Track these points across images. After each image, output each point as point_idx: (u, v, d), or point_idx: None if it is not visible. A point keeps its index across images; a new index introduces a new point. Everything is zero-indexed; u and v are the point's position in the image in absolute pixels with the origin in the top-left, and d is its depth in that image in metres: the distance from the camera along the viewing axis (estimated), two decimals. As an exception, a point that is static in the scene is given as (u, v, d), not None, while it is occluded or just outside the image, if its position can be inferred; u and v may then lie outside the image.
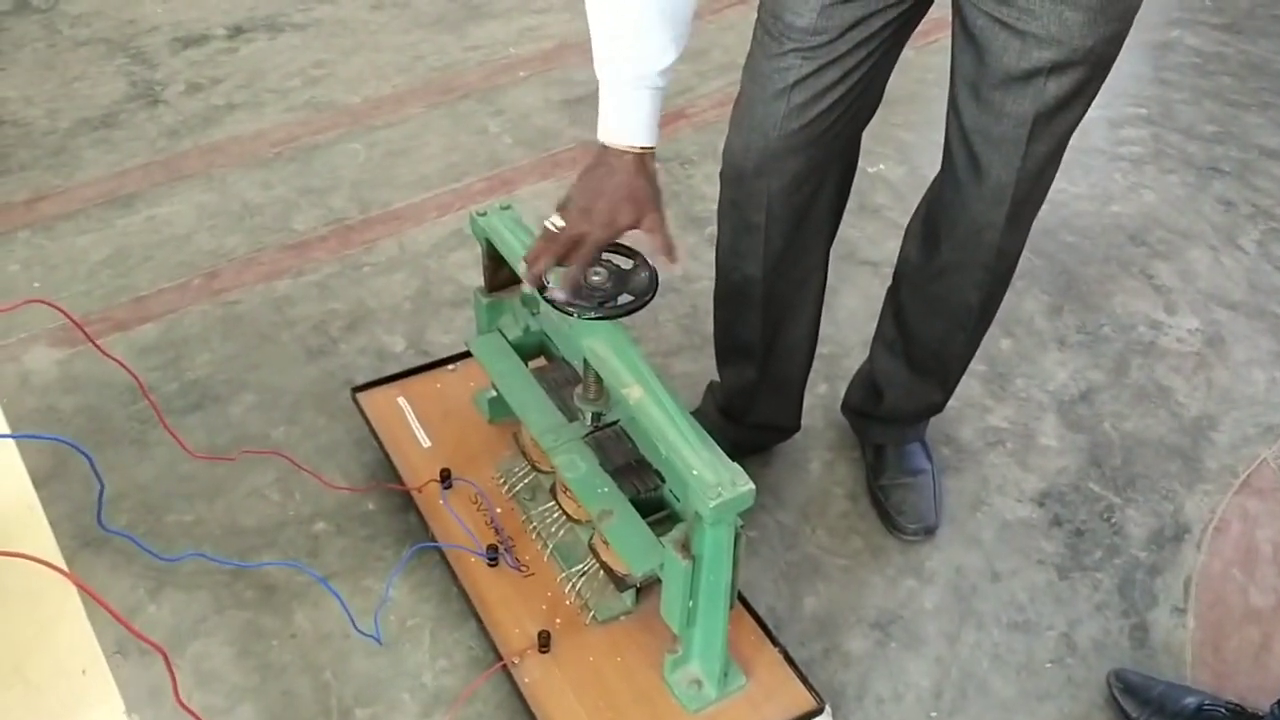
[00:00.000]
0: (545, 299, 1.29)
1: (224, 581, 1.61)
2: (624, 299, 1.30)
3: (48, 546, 0.65)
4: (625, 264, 1.34)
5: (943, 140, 1.43)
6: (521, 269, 1.30)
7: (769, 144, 1.39)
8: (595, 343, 1.33)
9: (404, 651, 1.53)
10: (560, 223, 1.27)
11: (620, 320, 1.31)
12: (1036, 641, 1.58)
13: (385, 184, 2.37)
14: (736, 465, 1.22)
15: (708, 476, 1.19)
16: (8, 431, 0.71)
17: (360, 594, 1.60)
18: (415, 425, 1.72)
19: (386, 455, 1.68)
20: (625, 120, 1.24)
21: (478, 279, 2.16)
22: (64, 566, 0.64)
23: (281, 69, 2.73)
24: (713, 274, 1.61)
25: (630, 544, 1.35)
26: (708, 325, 2.00)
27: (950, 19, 1.34)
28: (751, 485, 1.20)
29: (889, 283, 1.66)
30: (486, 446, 1.69)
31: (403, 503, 1.68)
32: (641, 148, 1.24)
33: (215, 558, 1.54)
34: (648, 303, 1.31)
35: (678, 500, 1.41)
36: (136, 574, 1.60)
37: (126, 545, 1.65)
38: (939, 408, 1.73)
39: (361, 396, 1.76)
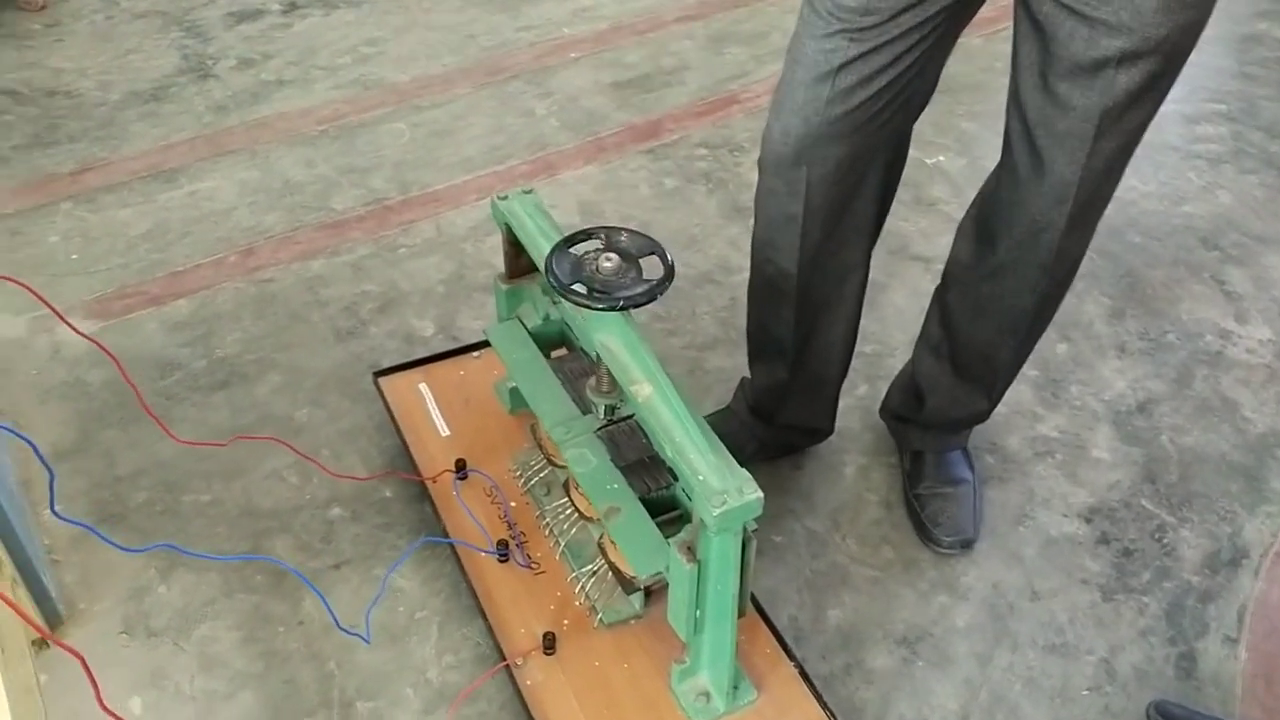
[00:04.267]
0: (553, 287, 1.23)
1: (235, 565, 1.58)
2: (638, 288, 1.24)
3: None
4: (638, 252, 1.28)
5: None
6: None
7: (810, 129, 1.31)
8: (606, 336, 1.27)
9: (410, 645, 1.49)
10: None
11: (639, 312, 1.25)
12: (1074, 666, 1.49)
13: (427, 165, 2.34)
14: (745, 472, 1.15)
15: (713, 482, 1.13)
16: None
17: (370, 583, 1.56)
18: (435, 412, 1.68)
19: (404, 442, 1.64)
20: None
21: (514, 265, 2.13)
22: None
23: (333, 46, 2.70)
24: None
25: (636, 544, 1.29)
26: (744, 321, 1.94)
27: (1014, 5, 1.25)
28: (759, 494, 1.13)
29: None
30: (505, 437, 1.64)
31: (419, 491, 1.64)
32: None
33: (185, 550, 1.52)
34: (662, 291, 1.24)
35: (689, 499, 1.35)
36: (151, 553, 1.58)
37: (144, 523, 1.64)
38: (984, 416, 1.64)
39: (383, 381, 1.73)
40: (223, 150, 2.36)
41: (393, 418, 1.68)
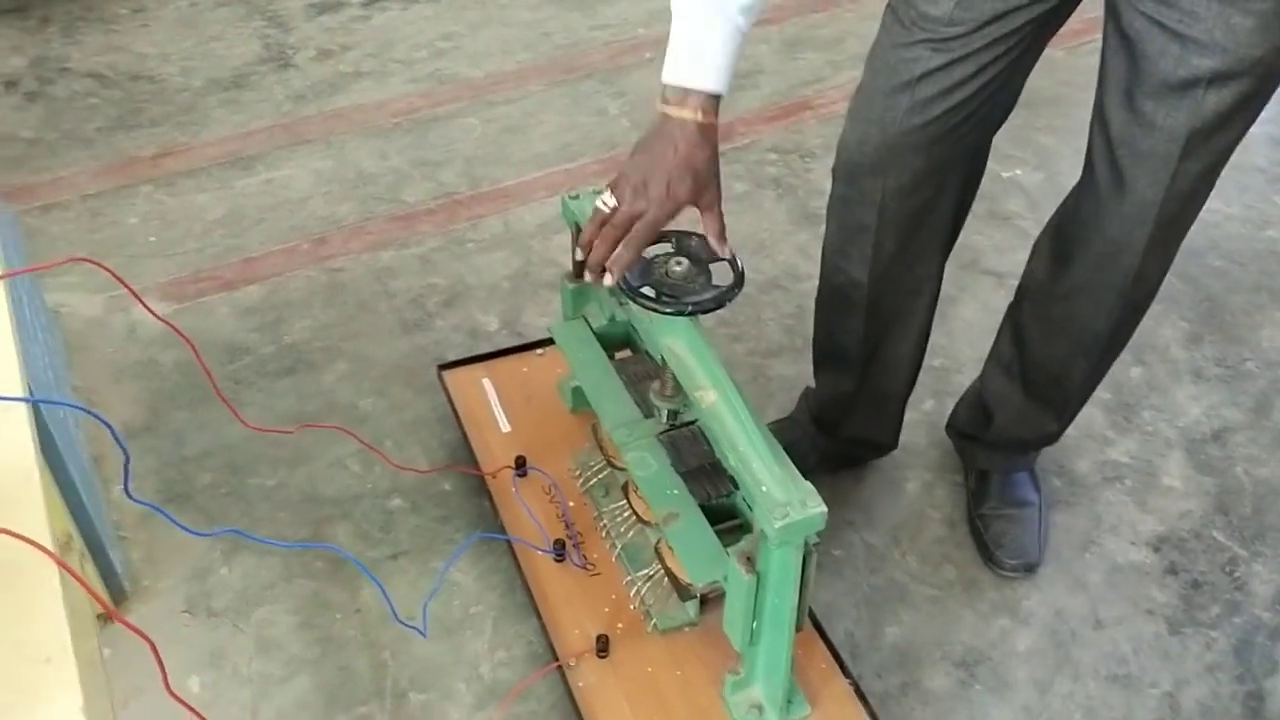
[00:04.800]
0: (621, 290, 1.22)
1: (296, 551, 1.60)
2: (707, 293, 1.23)
3: (37, 522, 0.62)
4: (708, 255, 1.27)
5: (1085, 149, 1.31)
6: (579, 254, 1.23)
7: (887, 139, 1.29)
8: (673, 340, 1.27)
9: (464, 639, 1.50)
10: (611, 201, 1.19)
11: (707, 316, 1.24)
12: (1136, 699, 1.45)
13: (498, 160, 2.35)
14: (809, 485, 1.13)
15: (776, 494, 1.11)
16: (23, 392, 0.68)
17: (427, 575, 1.57)
18: (496, 408, 1.68)
19: (465, 436, 1.65)
20: (699, 58, 1.12)
21: (576, 262, 2.13)
22: (49, 545, 0.61)
23: (410, 39, 2.73)
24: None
25: (694, 551, 1.28)
26: (812, 327, 1.92)
27: (1103, 19, 1.22)
28: (823, 508, 1.11)
29: (1012, 296, 1.54)
30: (565, 436, 1.64)
31: (479, 486, 1.65)
32: (705, 110, 1.14)
33: (250, 535, 1.53)
34: (732, 298, 1.23)
35: (750, 510, 1.33)
36: (213, 537, 1.61)
37: (210, 504, 1.67)
38: (1053, 438, 1.61)
39: (447, 374, 1.74)
40: (299, 139, 2.40)
41: (455, 411, 1.69)
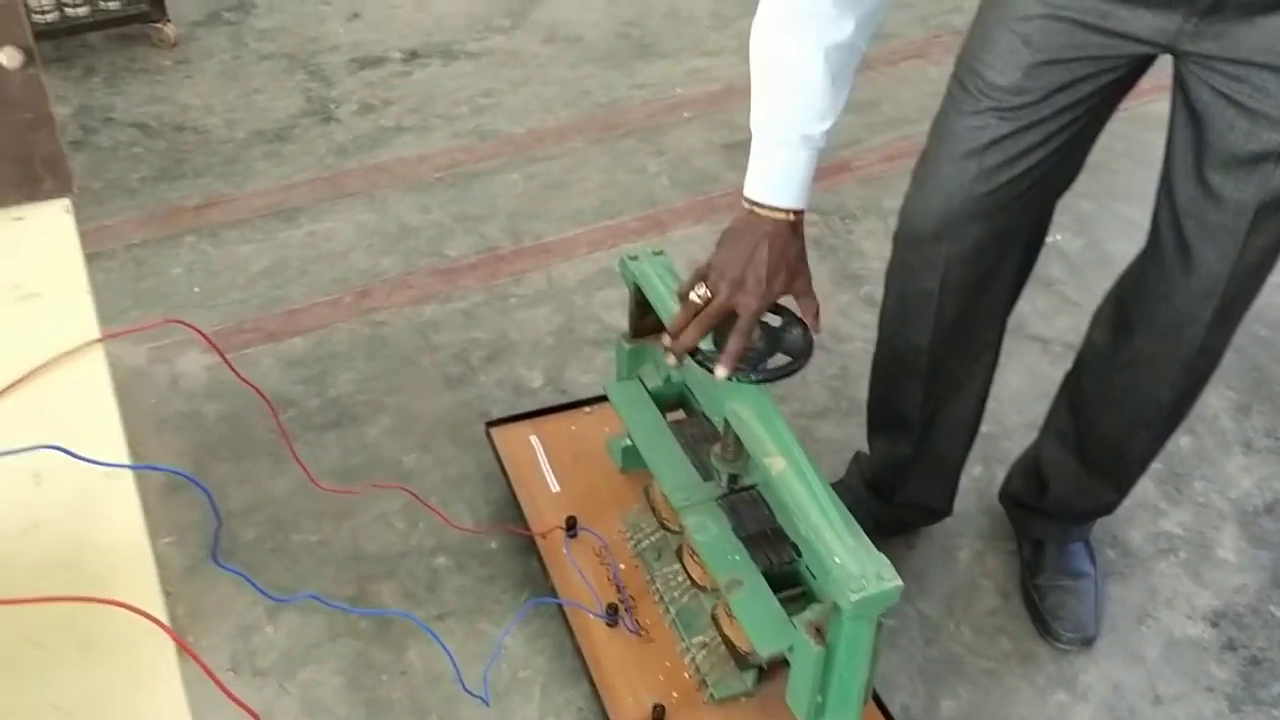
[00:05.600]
0: (697, 361, 1.21)
1: (343, 609, 1.58)
2: (778, 360, 1.22)
3: (150, 592, 0.61)
4: (776, 321, 1.27)
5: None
6: (666, 341, 1.23)
7: (952, 206, 1.29)
8: (739, 405, 1.25)
9: (513, 705, 1.47)
10: (704, 293, 1.21)
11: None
12: (1201, 781, 1.42)
13: (539, 216, 2.36)
14: (883, 557, 1.12)
15: (851, 567, 1.10)
16: (127, 459, 0.67)
17: (474, 637, 1.55)
18: (545, 466, 1.67)
19: (514, 495, 1.63)
20: (780, 180, 1.17)
21: (623, 321, 2.11)
22: (164, 618, 0.59)
23: (451, 95, 2.75)
24: (866, 335, 1.52)
25: (758, 620, 1.26)
26: (857, 389, 1.91)
27: (1171, 92, 1.22)
28: (899, 581, 1.09)
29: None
30: (615, 496, 1.62)
31: (525, 545, 1.63)
32: (793, 211, 1.17)
33: (327, 600, 1.52)
34: (804, 365, 1.23)
35: (814, 578, 1.31)
36: (257, 593, 1.58)
37: (252, 559, 1.65)
38: (1111, 508, 1.59)
39: (495, 431, 1.73)
40: (342, 192, 2.41)
41: (503, 469, 1.67)
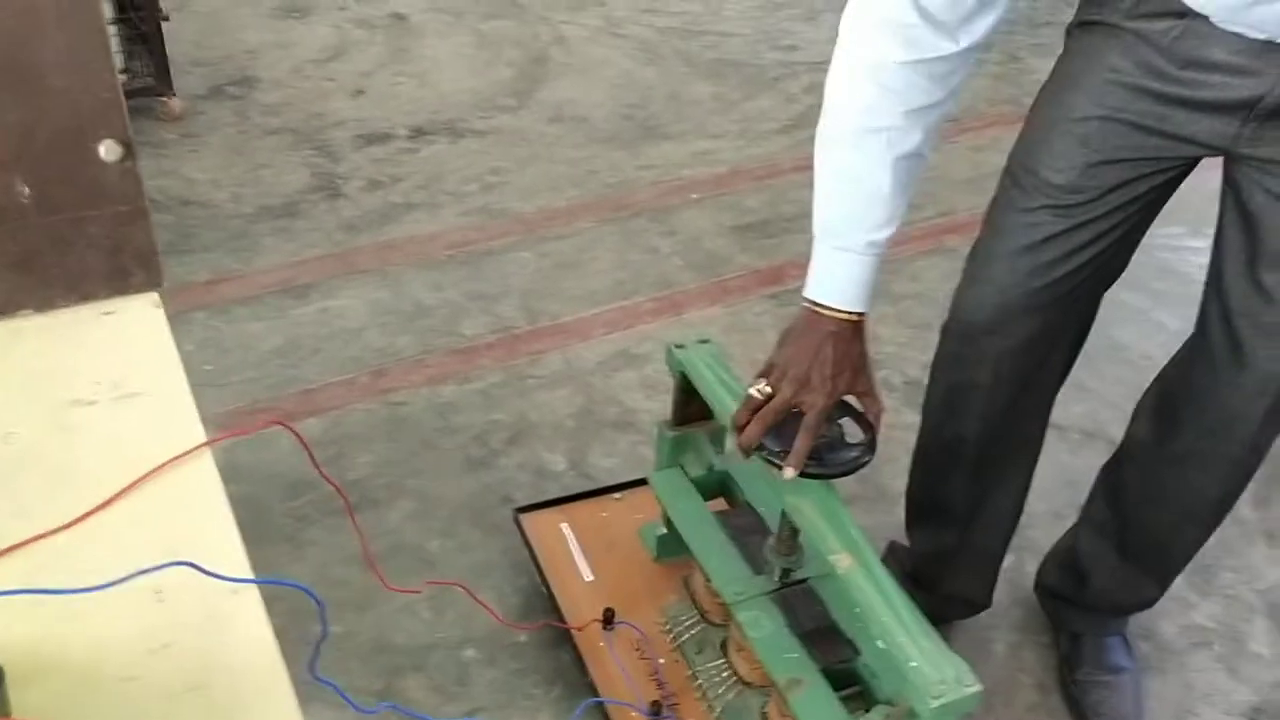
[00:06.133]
0: (762, 457, 1.20)
1: (369, 703, 1.53)
2: (845, 454, 1.21)
3: (288, 716, 0.58)
4: (838, 415, 1.25)
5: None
6: (732, 441, 1.22)
7: (1007, 300, 1.30)
8: (801, 500, 1.24)
9: (550, 807, 1.42)
10: (766, 389, 1.20)
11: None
12: None
13: (554, 295, 2.35)
14: (960, 659, 1.10)
15: (929, 672, 1.07)
16: (250, 572, 0.64)
17: (507, 734, 1.50)
18: (578, 555, 1.64)
19: (546, 585, 1.59)
20: (844, 285, 1.17)
21: (642, 402, 2.11)
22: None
23: (459, 173, 2.75)
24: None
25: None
26: (882, 476, 1.90)
27: (1220, 192, 1.24)
28: (979, 686, 1.07)
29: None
30: (650, 587, 1.59)
31: (555, 637, 1.59)
32: (856, 314, 1.17)
33: (408, 711, 1.47)
34: (870, 459, 1.22)
35: (873, 677, 1.29)
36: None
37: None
38: (1151, 603, 1.58)
39: (525, 518, 1.69)
40: (353, 269, 2.39)
41: (534, 558, 1.63)
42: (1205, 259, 2.49)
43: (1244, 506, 1.95)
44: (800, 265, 2.44)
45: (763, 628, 1.32)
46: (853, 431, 1.24)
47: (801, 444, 1.17)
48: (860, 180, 1.13)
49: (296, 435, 0.90)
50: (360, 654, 1.59)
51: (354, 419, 2.00)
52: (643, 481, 1.71)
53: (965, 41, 1.07)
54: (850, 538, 1.19)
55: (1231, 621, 1.74)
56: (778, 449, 1.19)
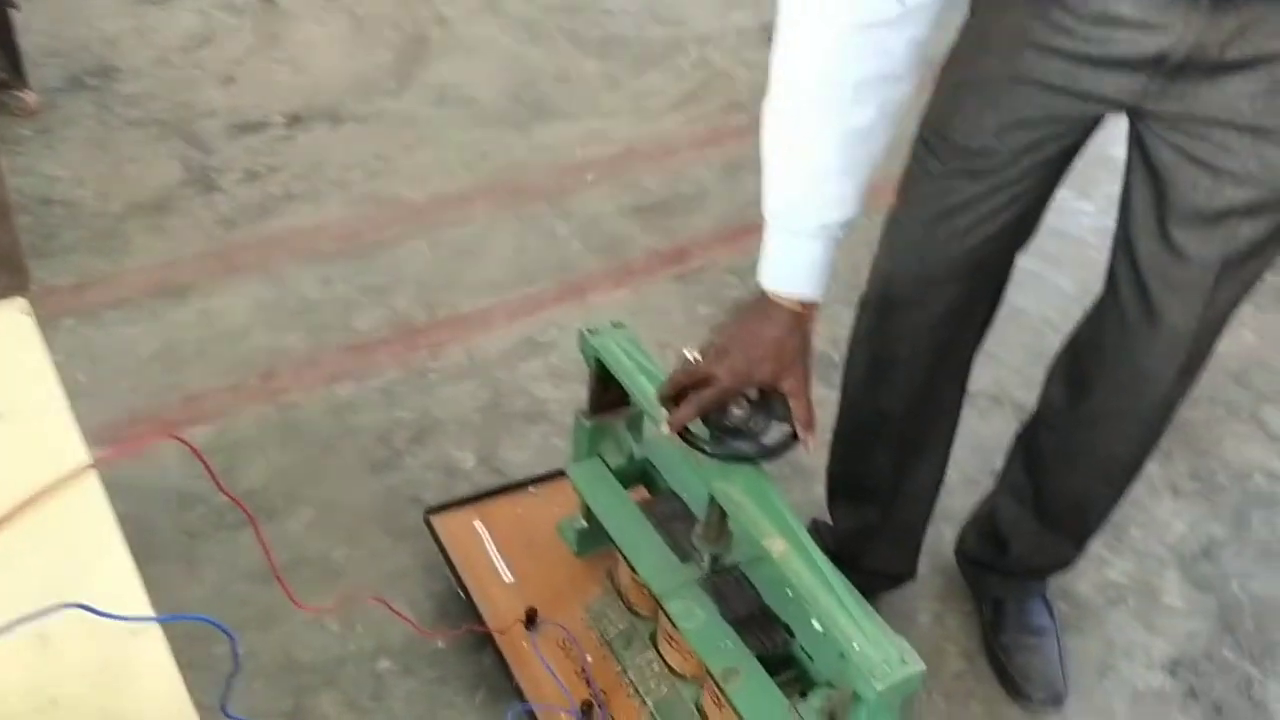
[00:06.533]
0: (685, 440, 1.15)
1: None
2: (773, 435, 1.17)
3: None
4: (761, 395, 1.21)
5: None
6: (660, 413, 1.16)
7: (926, 270, 1.28)
8: (730, 485, 1.19)
9: (481, 819, 1.36)
10: (697, 356, 1.14)
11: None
12: (1187, 838, 1.42)
13: (451, 286, 2.26)
14: (903, 640, 1.07)
15: (871, 653, 1.04)
16: (149, 609, 0.56)
17: (430, 747, 1.43)
18: (495, 555, 1.57)
19: (463, 588, 1.52)
20: (792, 270, 1.10)
21: (551, 391, 2.05)
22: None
23: (341, 160, 2.63)
24: None
25: (761, 711, 1.19)
26: (802, 454, 1.87)
27: (1126, 148, 1.24)
28: (922, 665, 1.05)
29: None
30: (573, 583, 1.53)
31: (476, 641, 1.52)
32: (805, 302, 1.12)
33: None
34: (795, 446, 1.18)
35: (810, 659, 1.26)
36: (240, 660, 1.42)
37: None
38: (1070, 563, 1.59)
39: (435, 520, 1.61)
40: (233, 267, 2.26)
41: (449, 561, 1.56)
42: (1095, 221, 2.54)
43: (1149, 462, 1.99)
44: (702, 244, 2.40)
45: (695, 618, 1.27)
46: (783, 415, 1.19)
47: (685, 410, 1.12)
48: (807, 155, 1.05)
49: (191, 448, 0.81)
50: (266, 674, 1.50)
51: (244, 425, 1.88)
52: (558, 474, 1.65)
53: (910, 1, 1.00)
54: (783, 520, 1.15)
55: (1144, 576, 1.77)
56: (703, 434, 1.14)
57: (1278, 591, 1.76)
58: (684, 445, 1.16)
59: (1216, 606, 1.72)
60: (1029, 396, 2.07)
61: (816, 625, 1.09)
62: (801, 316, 1.11)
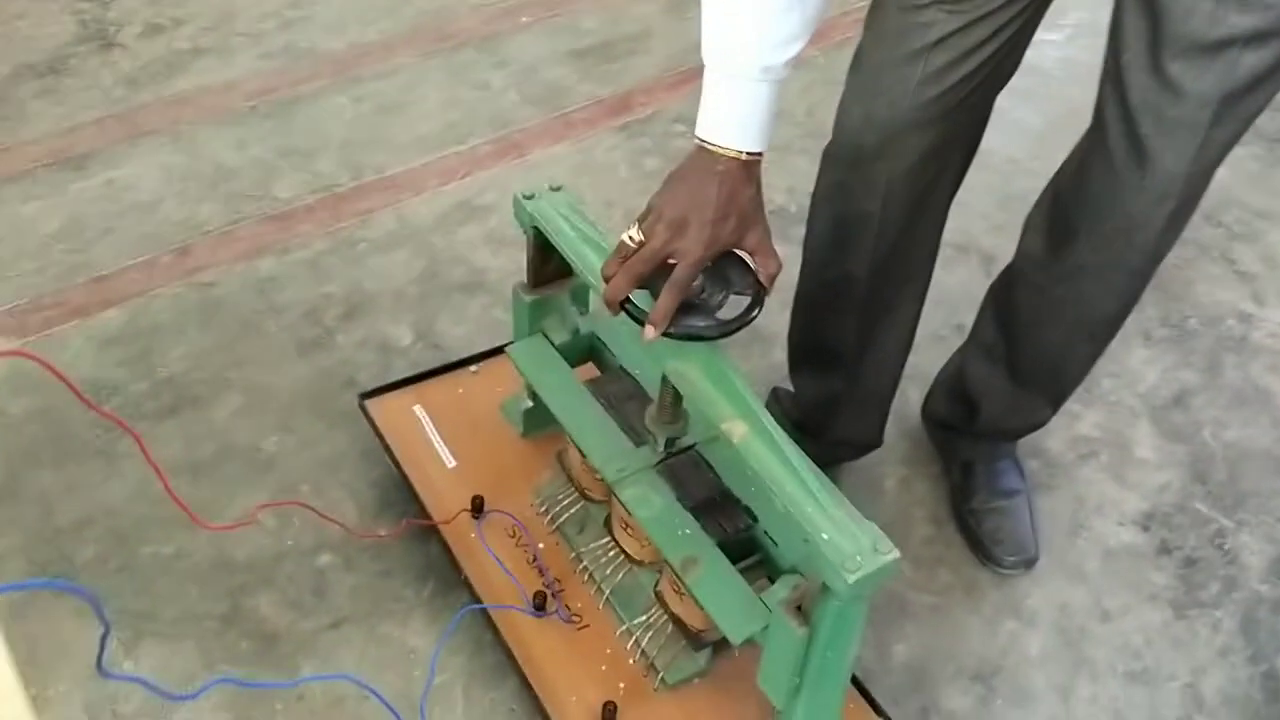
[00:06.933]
0: (631, 315, 1.03)
1: (213, 630, 1.36)
2: (730, 308, 1.05)
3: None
4: (722, 266, 1.09)
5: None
6: (602, 290, 1.04)
7: (897, 115, 1.15)
8: (685, 364, 1.09)
9: (432, 716, 1.29)
10: (638, 235, 1.01)
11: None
12: (1159, 695, 1.39)
13: (378, 145, 2.09)
14: (874, 527, 0.99)
15: (842, 543, 0.96)
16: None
17: (377, 643, 1.36)
18: (436, 440, 1.47)
19: (405, 479, 1.42)
20: (736, 118, 0.98)
21: (490, 259, 1.91)
22: None
23: (253, 9, 2.41)
24: None
25: (724, 602, 1.12)
26: (759, 316, 1.78)
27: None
28: (897, 553, 0.97)
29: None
30: (521, 465, 1.44)
31: (422, 530, 1.43)
32: (750, 153, 0.99)
33: (245, 681, 1.28)
34: (757, 315, 1.07)
35: (774, 544, 1.18)
36: (109, 618, 1.33)
37: (96, 583, 1.39)
38: (1043, 424, 1.51)
39: (371, 404, 1.50)
40: (139, 131, 2.07)
41: (388, 449, 1.46)
42: (1061, 52, 2.38)
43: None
44: (648, 89, 2.22)
45: (651, 505, 1.18)
46: (742, 283, 1.08)
47: (666, 300, 1.00)
48: None
49: (42, 363, 0.68)
50: (197, 575, 1.41)
51: (159, 307, 1.74)
52: (501, 350, 1.53)
53: None
54: (743, 402, 1.05)
55: (1116, 428, 1.71)
56: (645, 307, 1.02)
57: (1249, 439, 1.70)
58: (637, 326, 1.04)
59: (1188, 457, 1.67)
60: (996, 243, 1.98)
61: (780, 507, 1.00)
62: (751, 166, 0.99)
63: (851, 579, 0.94)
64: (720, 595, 1.12)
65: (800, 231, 1.36)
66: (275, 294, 1.78)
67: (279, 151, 2.05)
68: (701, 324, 1.03)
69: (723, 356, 1.08)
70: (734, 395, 1.06)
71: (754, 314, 1.06)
